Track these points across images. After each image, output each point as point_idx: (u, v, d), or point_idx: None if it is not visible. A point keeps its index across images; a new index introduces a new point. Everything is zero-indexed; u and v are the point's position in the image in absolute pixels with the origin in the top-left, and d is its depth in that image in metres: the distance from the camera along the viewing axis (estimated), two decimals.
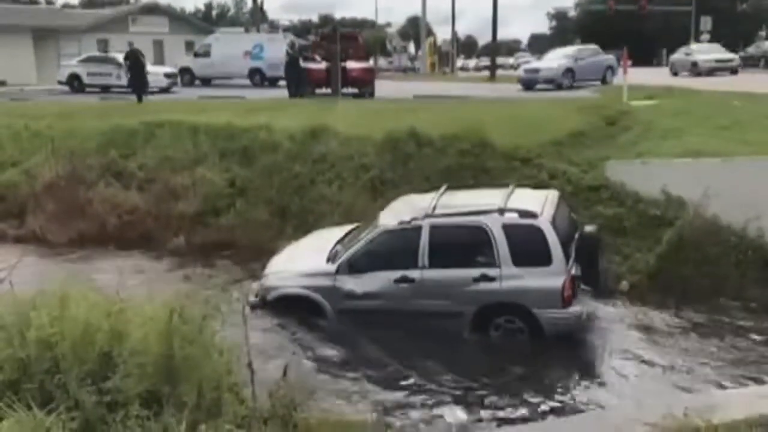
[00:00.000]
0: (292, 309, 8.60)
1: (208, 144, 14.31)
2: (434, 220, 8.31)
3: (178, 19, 46.39)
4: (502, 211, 8.08)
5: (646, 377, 7.50)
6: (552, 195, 8.89)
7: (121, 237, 12.76)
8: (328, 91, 23.02)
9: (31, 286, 5.09)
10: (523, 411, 6.72)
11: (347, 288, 8.46)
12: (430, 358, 7.74)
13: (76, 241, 12.77)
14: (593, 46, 26.89)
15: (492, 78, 33.45)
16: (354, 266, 8.51)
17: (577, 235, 8.55)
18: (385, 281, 8.32)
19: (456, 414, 6.70)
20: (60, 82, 28.63)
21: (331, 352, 8.04)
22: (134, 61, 21.63)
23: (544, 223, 7.87)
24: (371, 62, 27.55)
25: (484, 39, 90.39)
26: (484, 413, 6.70)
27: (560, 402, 6.92)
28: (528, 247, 7.86)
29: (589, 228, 8.70)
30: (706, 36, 43.24)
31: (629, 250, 10.21)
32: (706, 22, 43.62)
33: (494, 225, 7.97)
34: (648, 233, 10.30)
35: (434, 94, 22.01)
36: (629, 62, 18.92)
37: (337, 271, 8.54)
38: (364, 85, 23.32)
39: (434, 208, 8.47)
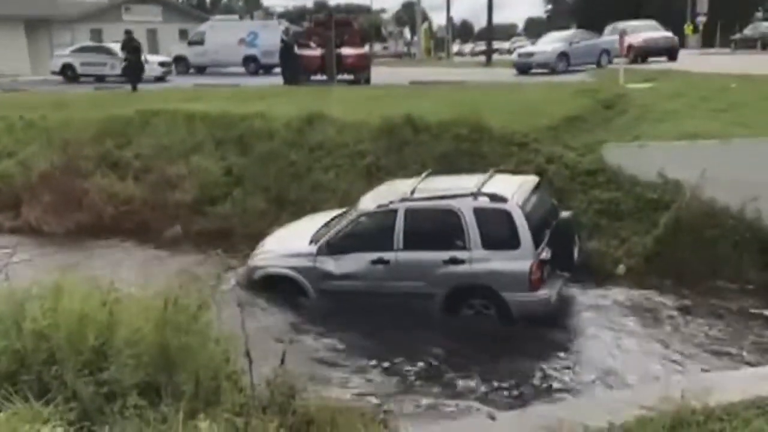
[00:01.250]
0: (276, 288, 8.93)
1: (203, 132, 14.27)
2: (409, 203, 8.53)
3: (171, 7, 46.07)
4: (473, 195, 8.26)
5: (641, 359, 7.53)
6: (528, 181, 9.03)
7: (117, 227, 12.75)
8: (324, 77, 22.94)
9: (27, 277, 5.08)
10: (506, 394, 6.85)
11: (327, 269, 8.74)
12: (415, 341, 7.90)
13: (72, 231, 12.77)
14: (587, 31, 26.76)
15: (488, 63, 33.28)
16: (333, 248, 8.78)
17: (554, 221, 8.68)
18: (363, 262, 8.58)
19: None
20: (53, 72, 28.49)
21: (327, 339, 8.12)
22: (131, 50, 21.51)
23: (513, 207, 8.02)
24: (366, 48, 27.39)
25: (479, 24, 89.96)
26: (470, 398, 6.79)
27: (546, 384, 7.03)
28: (497, 230, 8.06)
29: (564, 214, 8.79)
30: (702, 18, 43.01)
31: (626, 234, 10.22)
32: (702, 4, 43.32)
33: (465, 209, 8.16)
34: (645, 216, 10.30)
35: (430, 79, 21.90)
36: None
37: (318, 253, 8.82)
38: (359, 71, 23.21)
39: (413, 192, 8.65)
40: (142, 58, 21.99)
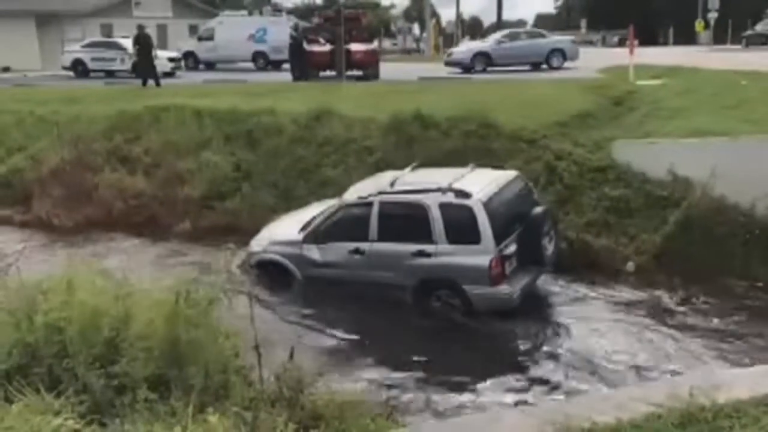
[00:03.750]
0: (269, 273, 9.28)
1: (212, 128, 14.30)
2: (383, 196, 8.80)
3: (181, 2, 46.03)
4: (441, 191, 8.41)
5: (648, 356, 7.51)
6: (504, 176, 9.16)
7: (127, 222, 12.79)
8: (332, 73, 22.92)
9: (38, 271, 5.12)
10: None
11: (312, 256, 9.11)
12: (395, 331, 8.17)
13: (82, 226, 12.82)
14: (535, 30, 27.31)
15: None
16: (317, 237, 9.16)
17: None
18: (342, 252, 8.90)
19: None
20: (64, 67, 28.56)
21: (335, 332, 8.22)
22: (144, 45, 21.57)
23: (475, 203, 8.16)
24: (375, 44, 27.33)
25: (489, 20, 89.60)
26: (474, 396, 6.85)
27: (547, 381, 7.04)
28: (460, 225, 8.21)
29: (537, 209, 8.83)
30: (713, 14, 42.68)
31: (635, 231, 10.19)
32: (714, 0, 42.98)
33: (432, 203, 8.36)
34: (654, 214, 10.27)
35: (439, 75, 21.88)
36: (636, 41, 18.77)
37: (304, 241, 9.22)
38: (368, 67, 23.18)
39: (392, 184, 8.91)
40: (153, 53, 22.00)
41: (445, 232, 8.26)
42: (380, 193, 8.86)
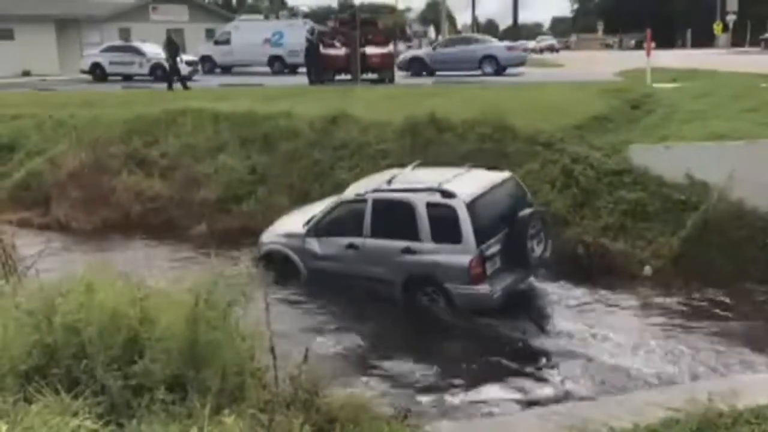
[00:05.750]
0: (275, 263, 9.52)
1: (229, 131, 14.39)
2: (377, 194, 9.05)
3: (198, 6, 46.44)
4: (429, 191, 8.59)
5: (665, 360, 7.45)
6: (496, 177, 9.22)
7: (144, 224, 12.90)
8: (348, 77, 22.99)
9: (57, 273, 5.17)
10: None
11: (313, 249, 9.44)
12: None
13: (100, 228, 12.94)
14: (472, 35, 28.81)
15: None
16: (318, 231, 9.49)
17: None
18: (339, 246, 9.21)
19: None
20: (83, 71, 28.90)
21: (351, 334, 8.22)
22: (171, 51, 21.86)
23: (458, 203, 8.30)
24: (391, 47, 27.41)
25: (505, 23, 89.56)
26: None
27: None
28: (444, 224, 8.37)
29: (525, 211, 8.88)
30: (732, 17, 42.31)
31: (652, 235, 10.12)
32: (732, 2, 42.58)
33: (419, 202, 8.56)
34: (672, 218, 10.19)
35: (454, 78, 21.88)
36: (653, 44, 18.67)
37: (306, 234, 9.54)
38: (384, 70, 23.25)
39: (390, 182, 9.17)
40: (178, 59, 22.27)
41: (431, 230, 8.47)
42: (375, 190, 9.12)
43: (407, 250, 8.61)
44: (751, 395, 4.46)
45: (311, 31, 25.83)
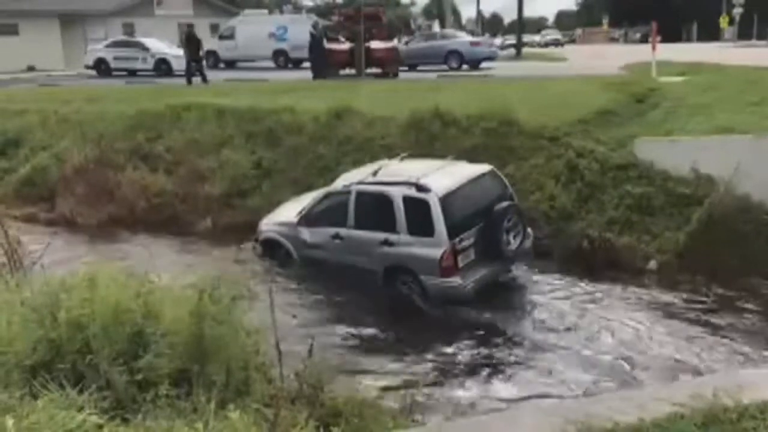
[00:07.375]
0: (270, 250, 10.12)
1: (233, 126, 14.40)
2: (360, 186, 9.31)
3: (202, 1, 46.35)
4: (406, 184, 8.77)
5: (671, 354, 7.44)
6: (475, 171, 9.36)
7: (149, 219, 12.92)
8: (352, 71, 22.95)
9: (62, 268, 5.18)
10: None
11: (303, 238, 9.76)
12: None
13: (105, 223, 12.97)
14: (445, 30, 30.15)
15: (518, 55, 33.06)
16: (308, 220, 9.81)
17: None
18: (326, 236, 9.51)
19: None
20: (87, 67, 28.94)
21: (355, 328, 8.25)
22: (196, 44, 21.89)
23: (432, 197, 8.50)
24: (395, 42, 27.39)
25: (509, 17, 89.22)
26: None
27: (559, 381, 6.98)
28: (418, 218, 8.60)
29: (501, 204, 9.00)
30: (738, 10, 42.09)
31: (658, 229, 10.10)
32: None
33: (397, 195, 8.79)
34: (677, 212, 10.17)
35: (458, 72, 21.82)
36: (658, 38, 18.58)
37: (298, 223, 9.87)
38: (388, 65, 23.19)
39: (375, 173, 9.38)
40: (201, 53, 22.39)
41: (407, 223, 8.68)
42: (359, 183, 9.35)
43: (386, 242, 8.86)
44: (756, 390, 4.43)
45: (315, 26, 25.75)
